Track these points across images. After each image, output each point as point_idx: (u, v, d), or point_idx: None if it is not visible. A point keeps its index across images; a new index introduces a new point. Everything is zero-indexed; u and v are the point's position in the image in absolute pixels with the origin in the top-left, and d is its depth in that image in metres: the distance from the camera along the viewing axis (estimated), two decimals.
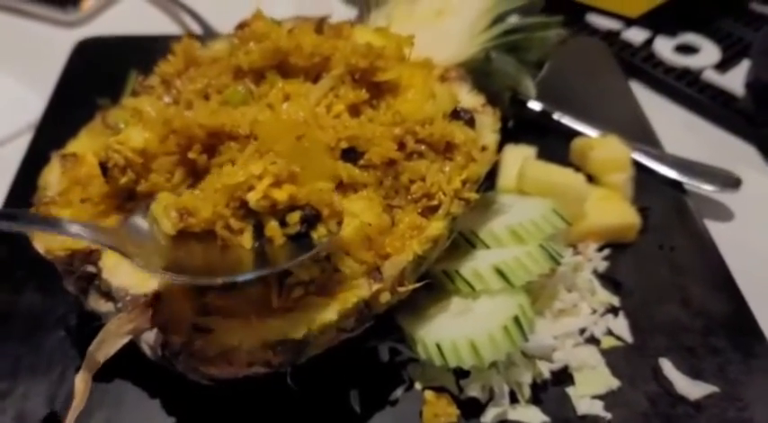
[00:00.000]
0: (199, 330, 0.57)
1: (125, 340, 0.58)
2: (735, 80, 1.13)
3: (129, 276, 0.60)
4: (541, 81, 0.95)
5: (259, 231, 0.54)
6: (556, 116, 1.01)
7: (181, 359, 0.58)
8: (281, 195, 0.53)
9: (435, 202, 0.65)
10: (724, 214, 0.95)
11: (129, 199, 0.63)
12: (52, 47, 1.16)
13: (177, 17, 1.29)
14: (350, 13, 0.96)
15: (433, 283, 0.69)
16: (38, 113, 1.00)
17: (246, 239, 0.54)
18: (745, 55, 1.18)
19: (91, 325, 0.65)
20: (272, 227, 0.54)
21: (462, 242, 0.74)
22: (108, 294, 0.62)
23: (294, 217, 0.54)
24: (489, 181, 0.83)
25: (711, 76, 1.15)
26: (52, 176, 0.67)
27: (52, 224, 0.55)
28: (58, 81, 1.05)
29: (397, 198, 0.66)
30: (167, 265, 0.53)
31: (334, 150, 0.65)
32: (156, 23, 1.28)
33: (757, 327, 0.77)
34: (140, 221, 0.56)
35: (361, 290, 0.59)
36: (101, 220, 0.63)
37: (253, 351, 0.56)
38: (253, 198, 0.53)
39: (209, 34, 1.16)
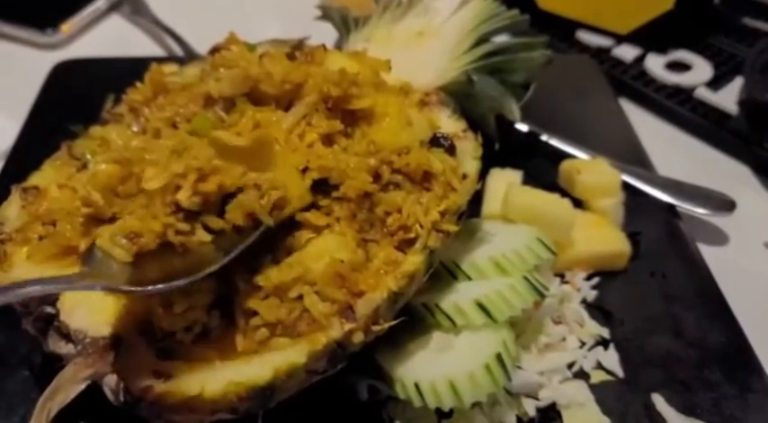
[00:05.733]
0: (159, 376, 0.54)
1: (82, 386, 0.55)
2: (728, 98, 1.11)
3: (87, 318, 0.57)
4: (529, 100, 0.93)
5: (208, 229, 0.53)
6: (544, 137, 0.98)
7: (142, 406, 0.55)
8: (209, 187, 0.52)
9: (412, 235, 0.62)
10: (718, 238, 0.92)
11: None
12: (31, 70, 1.13)
13: (160, 39, 1.27)
14: (334, 33, 0.93)
15: (413, 317, 0.67)
16: (12, 140, 0.97)
17: (203, 235, 0.52)
18: (738, 72, 1.15)
19: (55, 365, 0.62)
20: (213, 220, 0.53)
21: (444, 273, 0.71)
22: (67, 336, 0.58)
23: (233, 205, 0.53)
24: (474, 207, 0.81)
25: (704, 93, 1.13)
26: (11, 211, 0.64)
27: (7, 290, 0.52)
28: (33, 106, 1.03)
29: (372, 231, 0.63)
30: (134, 282, 0.51)
31: (305, 174, 0.63)
32: (138, 46, 1.26)
33: (754, 358, 0.73)
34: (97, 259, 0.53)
35: (332, 330, 0.56)
36: (60, 259, 0.60)
37: (216, 398, 0.53)
38: (183, 197, 0.51)
39: (190, 56, 1.14)
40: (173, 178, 0.51)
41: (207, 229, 0.52)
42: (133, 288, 0.50)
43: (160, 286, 0.51)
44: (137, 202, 0.52)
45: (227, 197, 0.53)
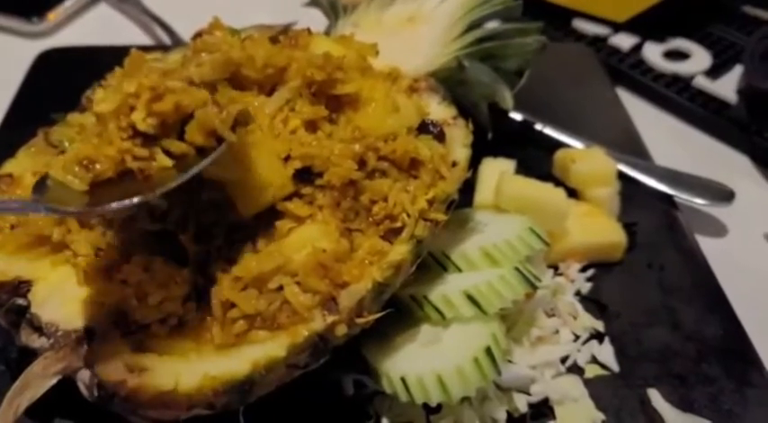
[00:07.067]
0: (133, 370, 0.51)
1: (53, 381, 0.53)
2: (727, 87, 1.08)
3: (59, 310, 0.55)
4: (523, 89, 0.90)
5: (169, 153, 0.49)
6: (538, 126, 0.96)
7: (116, 401, 0.53)
8: (165, 106, 0.48)
9: (399, 224, 0.60)
10: (716, 229, 0.90)
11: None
12: (17, 59, 1.10)
13: (148, 28, 1.24)
14: (324, 21, 0.91)
15: (400, 309, 0.64)
16: None
17: (163, 159, 0.48)
18: (738, 60, 1.13)
19: (31, 359, 0.60)
20: (173, 143, 0.49)
21: (433, 264, 0.68)
22: (40, 329, 0.56)
23: (192, 125, 0.49)
24: (466, 196, 0.79)
25: (702, 82, 1.10)
26: None
27: None
28: (16, 94, 1.00)
29: (357, 220, 0.60)
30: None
31: (288, 162, 0.60)
32: (126, 35, 1.23)
33: (753, 352, 0.72)
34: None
35: (313, 323, 0.54)
36: (33, 249, 0.58)
37: (191, 393, 0.51)
38: (138, 118, 0.47)
39: (178, 45, 1.11)
40: (125, 99, 0.47)
41: (167, 153, 0.48)
42: (81, 209, 0.46)
43: (113, 205, 0.46)
44: (90, 129, 0.48)
45: (186, 119, 0.49)
